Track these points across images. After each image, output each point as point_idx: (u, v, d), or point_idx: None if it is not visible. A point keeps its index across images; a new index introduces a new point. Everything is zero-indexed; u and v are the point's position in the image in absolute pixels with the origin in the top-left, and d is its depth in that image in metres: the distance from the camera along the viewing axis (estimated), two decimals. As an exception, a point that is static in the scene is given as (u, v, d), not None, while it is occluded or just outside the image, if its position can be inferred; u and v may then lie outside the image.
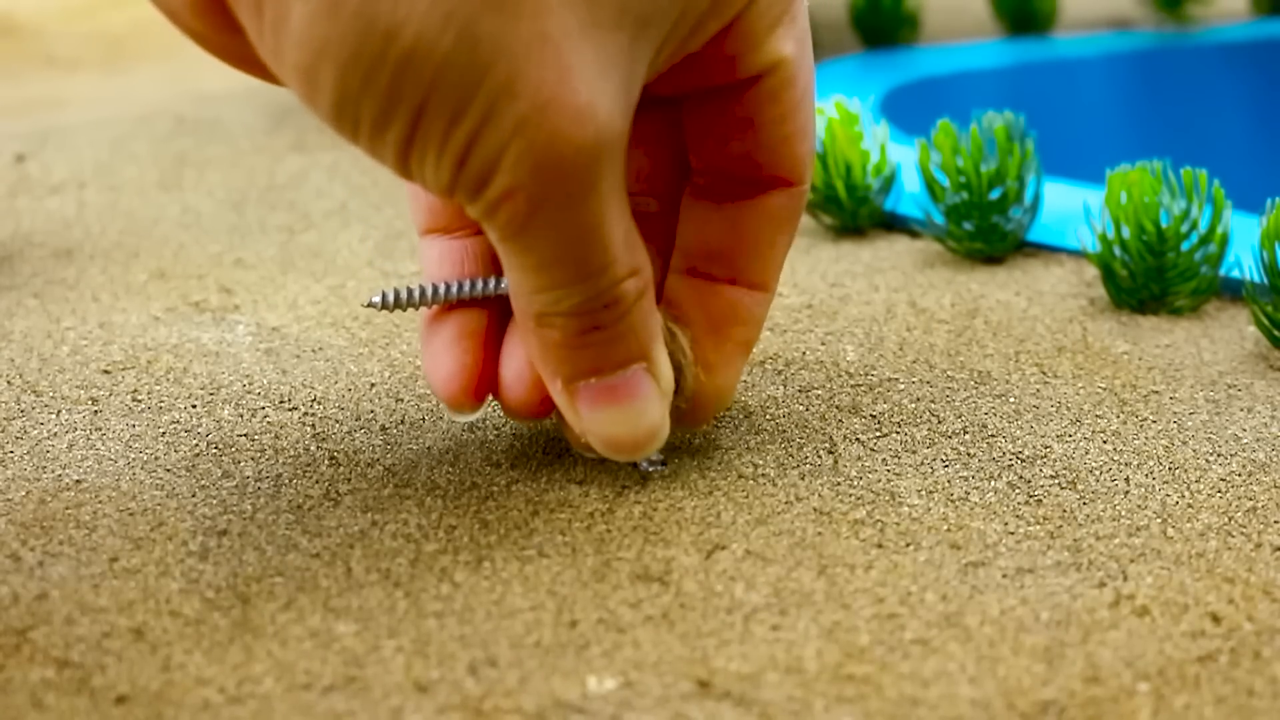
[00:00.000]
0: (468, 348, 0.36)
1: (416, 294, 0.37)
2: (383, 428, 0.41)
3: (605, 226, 0.31)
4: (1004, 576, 0.33)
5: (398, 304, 0.37)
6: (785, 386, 0.44)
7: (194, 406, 0.43)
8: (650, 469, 0.38)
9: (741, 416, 0.41)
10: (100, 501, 0.37)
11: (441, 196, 0.31)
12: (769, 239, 0.36)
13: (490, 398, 0.37)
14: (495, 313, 0.37)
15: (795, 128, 0.35)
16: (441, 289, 0.37)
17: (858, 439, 0.40)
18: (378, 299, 0.37)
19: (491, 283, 0.37)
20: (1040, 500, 0.36)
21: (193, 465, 0.39)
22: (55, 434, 0.41)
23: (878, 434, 0.40)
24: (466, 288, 0.37)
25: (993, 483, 0.37)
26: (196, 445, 0.40)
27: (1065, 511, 0.36)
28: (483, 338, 0.37)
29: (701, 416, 0.37)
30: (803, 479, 0.38)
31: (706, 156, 0.36)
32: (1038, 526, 0.35)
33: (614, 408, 0.34)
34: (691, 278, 0.37)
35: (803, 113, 0.35)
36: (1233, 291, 0.50)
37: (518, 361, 0.36)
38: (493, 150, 0.29)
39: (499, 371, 0.37)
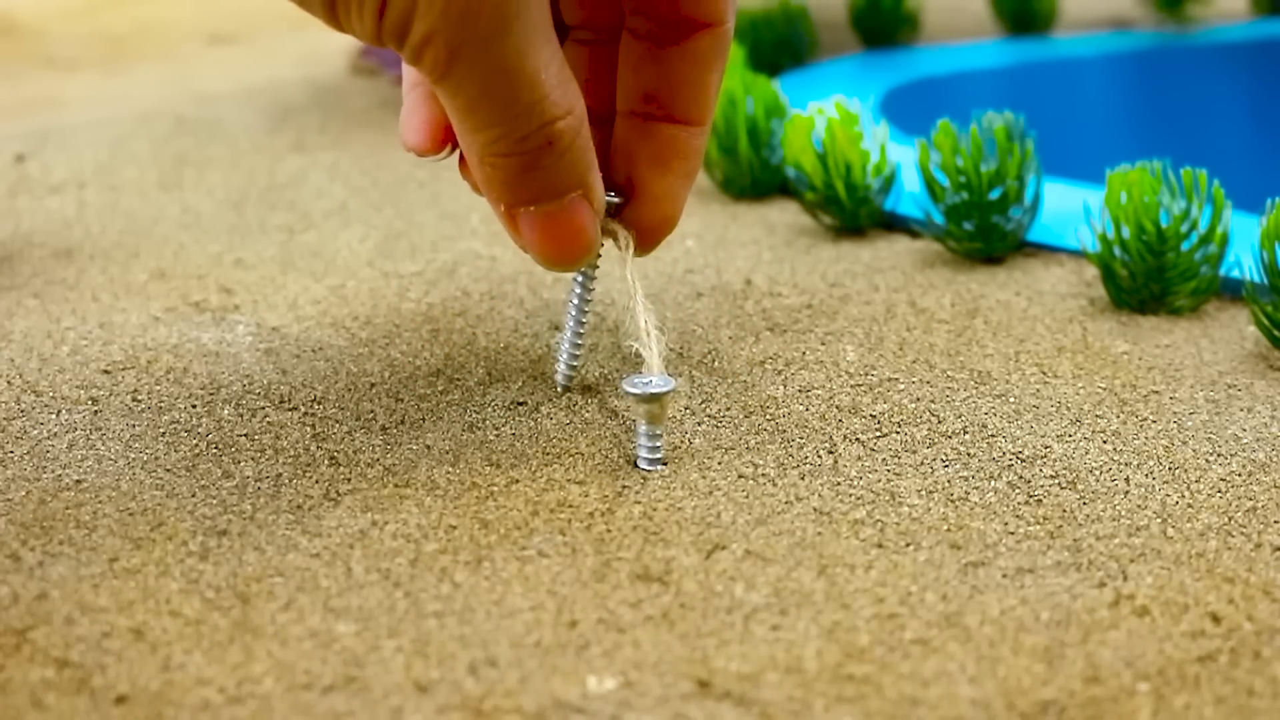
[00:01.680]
0: (434, 104, 0.39)
1: (574, 347, 0.43)
2: (383, 428, 0.41)
3: (528, 66, 0.33)
4: (1004, 576, 0.33)
5: (575, 368, 0.43)
6: (785, 386, 0.44)
7: (194, 406, 0.43)
8: (650, 469, 0.38)
9: (741, 416, 0.41)
10: (100, 501, 0.37)
11: (374, 44, 0.33)
12: (699, 78, 0.39)
13: (451, 147, 0.39)
14: None
15: None
16: (573, 325, 0.42)
17: (858, 439, 0.40)
18: (563, 381, 0.43)
19: (584, 279, 0.42)
20: (1040, 500, 0.36)
21: (193, 465, 0.39)
22: (55, 434, 0.41)
23: (878, 434, 0.40)
24: (580, 302, 0.42)
25: (993, 483, 0.37)
26: (196, 445, 0.40)
27: (1065, 511, 0.36)
28: None
29: (651, 241, 0.40)
30: (803, 479, 0.38)
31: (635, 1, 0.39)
32: (1038, 526, 0.35)
33: (552, 231, 0.37)
34: (633, 118, 0.39)
35: None
36: (1233, 291, 0.50)
37: None
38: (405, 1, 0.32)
39: None
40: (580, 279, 0.42)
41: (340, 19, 0.33)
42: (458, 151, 0.39)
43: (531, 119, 0.34)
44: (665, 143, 0.39)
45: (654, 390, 0.37)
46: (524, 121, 0.34)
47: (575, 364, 0.43)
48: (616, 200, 0.39)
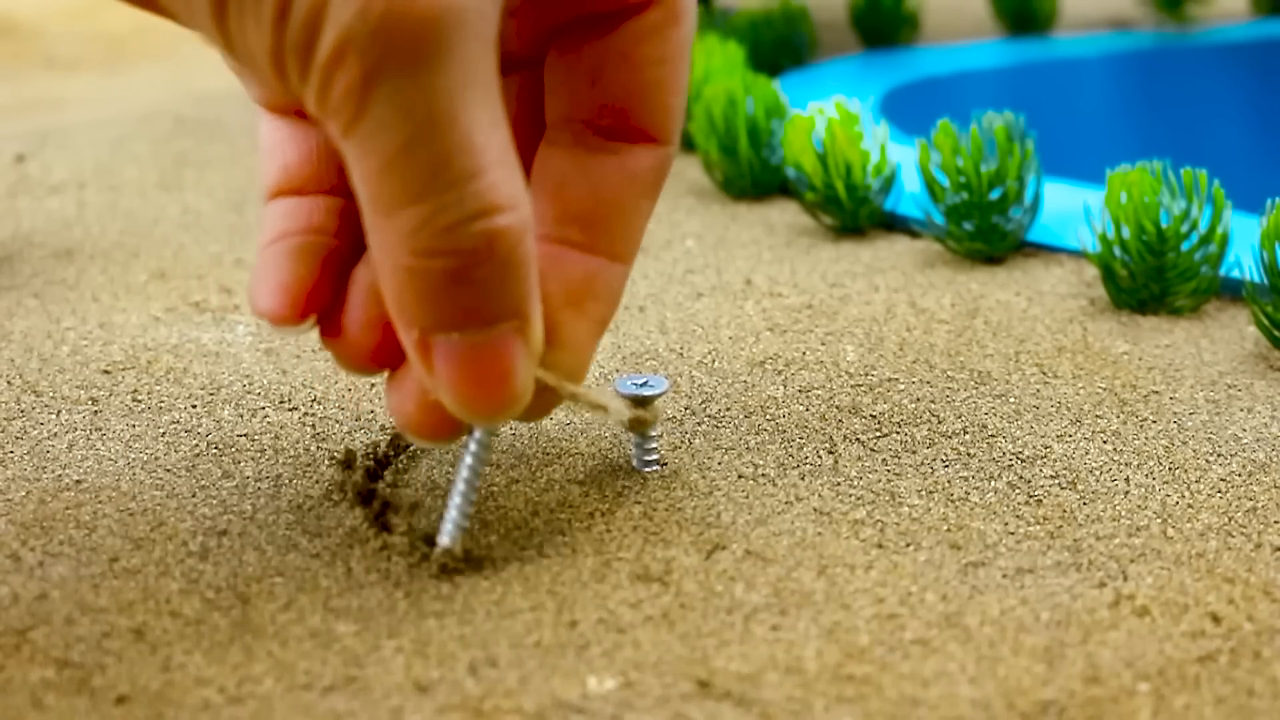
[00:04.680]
0: (304, 262, 0.32)
1: (464, 498, 0.34)
2: (382, 427, 0.41)
3: (463, 119, 0.27)
4: (1004, 576, 0.33)
5: (461, 532, 0.34)
6: (785, 386, 0.44)
7: (194, 406, 0.43)
8: (650, 469, 0.38)
9: (741, 416, 0.41)
10: (100, 501, 0.37)
11: (274, 77, 0.27)
12: (633, 203, 0.33)
13: (314, 319, 0.32)
14: (348, 241, 0.33)
15: (671, 74, 0.32)
16: (464, 488, 0.33)
17: (858, 439, 0.40)
18: (447, 543, 0.33)
19: (475, 440, 0.33)
20: (1040, 500, 0.36)
21: (193, 465, 0.39)
22: (55, 434, 0.41)
23: (878, 434, 0.40)
24: (471, 464, 0.34)
25: (993, 483, 0.37)
26: (196, 445, 0.40)
27: (1065, 511, 0.36)
28: (323, 257, 0.32)
29: (550, 403, 0.33)
30: (803, 479, 0.38)
31: (572, 101, 0.33)
32: (1038, 526, 0.35)
33: (475, 369, 0.29)
34: (543, 244, 0.32)
35: (681, 61, 0.32)
36: (1233, 291, 0.50)
37: (361, 295, 0.32)
38: None
39: (347, 302, 0.32)
40: (479, 436, 0.34)
41: (232, 26, 0.26)
42: (318, 321, 0.32)
43: (465, 201, 0.27)
44: (581, 279, 0.32)
45: (642, 394, 0.37)
46: (455, 201, 0.27)
47: (464, 525, 0.34)
48: None
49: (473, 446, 0.33)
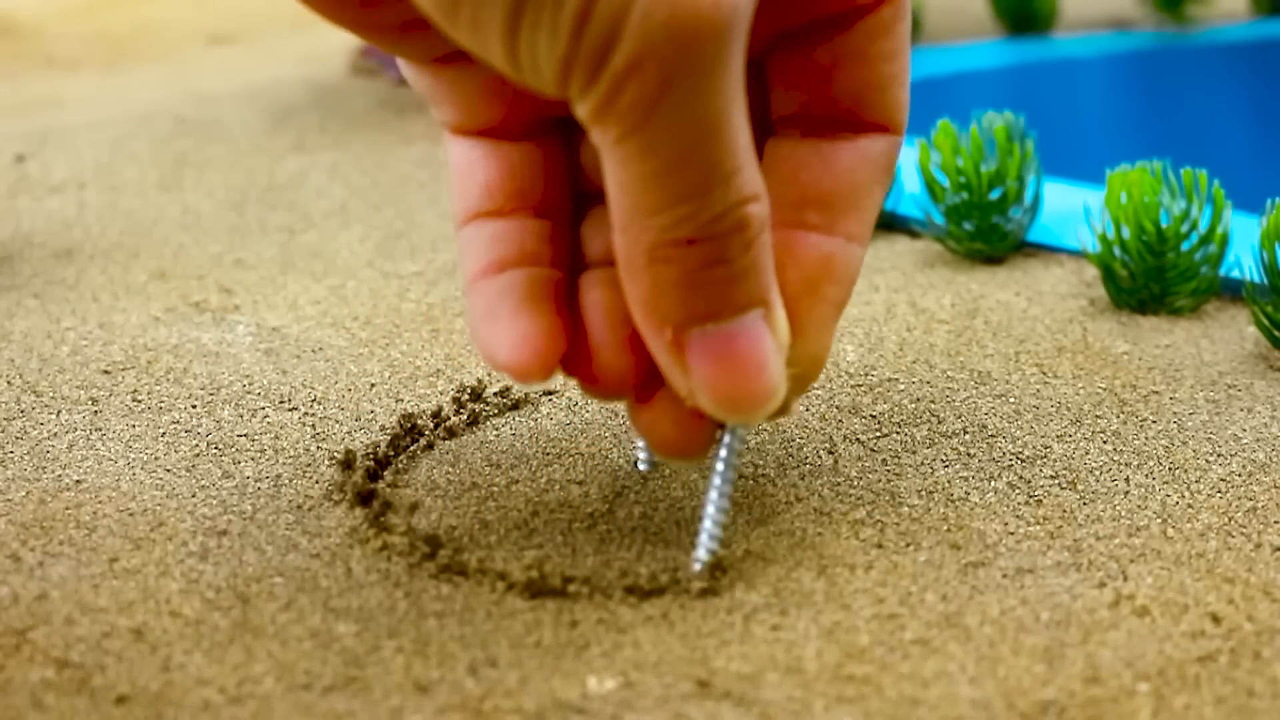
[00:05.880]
0: (539, 307, 0.32)
1: (719, 509, 0.33)
2: (382, 428, 0.41)
3: (734, 123, 0.27)
4: (1004, 576, 0.33)
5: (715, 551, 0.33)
6: (785, 386, 0.43)
7: (194, 406, 0.43)
8: (649, 469, 0.38)
9: (741, 416, 0.41)
10: (100, 501, 0.37)
11: (555, 85, 0.27)
12: (868, 185, 0.33)
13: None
14: (563, 267, 0.34)
15: (904, 68, 0.33)
16: (717, 498, 0.33)
17: (858, 439, 0.40)
18: (704, 560, 0.33)
19: (732, 436, 0.33)
20: (1040, 500, 0.36)
21: (193, 465, 0.39)
22: (55, 434, 0.41)
23: (878, 434, 0.40)
24: (726, 459, 0.33)
25: (993, 483, 0.37)
26: (196, 445, 0.40)
27: (1065, 511, 0.36)
28: (553, 298, 0.33)
29: (795, 391, 0.33)
30: (803, 479, 0.38)
31: (803, 100, 0.33)
32: (1038, 526, 0.35)
33: (731, 359, 0.30)
34: (780, 230, 0.33)
35: (908, 53, 0.33)
36: (1233, 291, 0.50)
37: (602, 318, 0.33)
38: (617, 5, 0.26)
39: (590, 334, 0.33)
40: (729, 442, 0.33)
41: (523, 37, 0.26)
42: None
43: (728, 194, 0.28)
44: (820, 262, 0.32)
45: None
46: (720, 196, 0.28)
47: (719, 537, 0.34)
48: None
49: (723, 452, 0.33)
